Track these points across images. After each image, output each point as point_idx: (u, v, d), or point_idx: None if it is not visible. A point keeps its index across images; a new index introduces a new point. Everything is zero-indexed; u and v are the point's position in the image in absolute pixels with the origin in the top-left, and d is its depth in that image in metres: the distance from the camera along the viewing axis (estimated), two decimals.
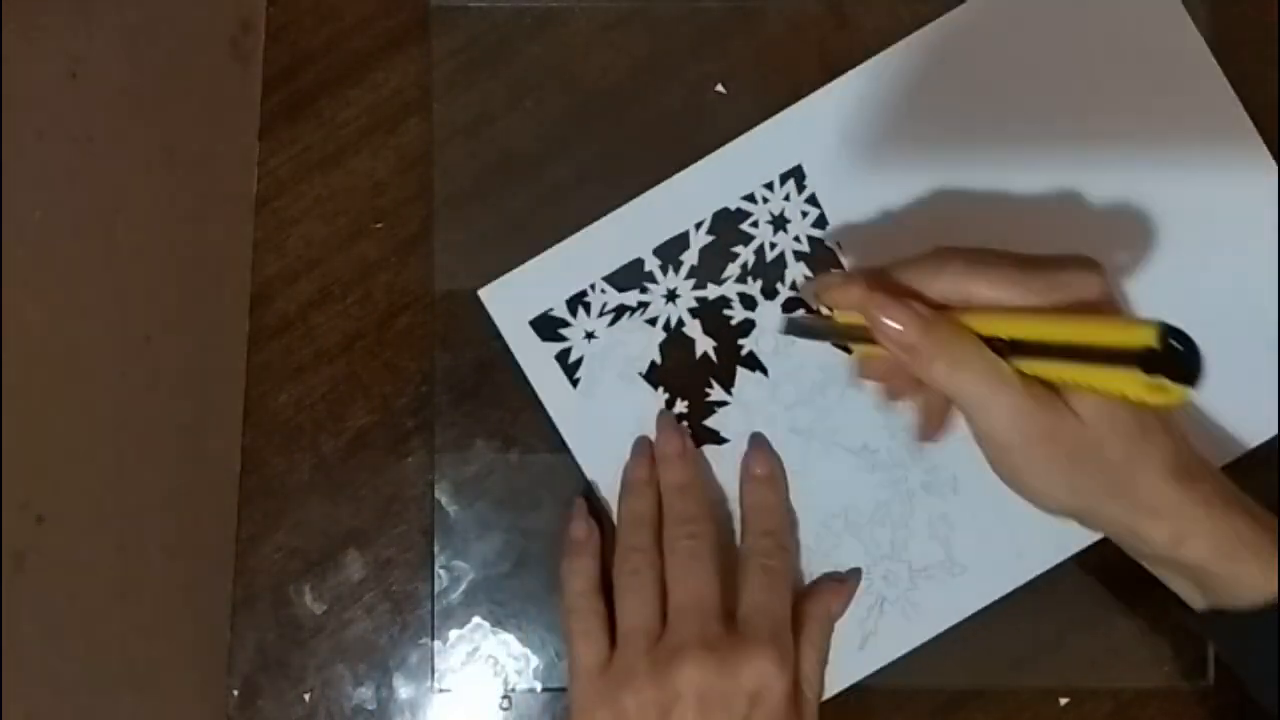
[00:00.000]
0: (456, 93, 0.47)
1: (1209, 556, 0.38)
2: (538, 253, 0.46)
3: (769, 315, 0.46)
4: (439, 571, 0.46)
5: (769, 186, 0.46)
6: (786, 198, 0.46)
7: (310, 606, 0.46)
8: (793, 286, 0.46)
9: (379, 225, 0.47)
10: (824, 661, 0.43)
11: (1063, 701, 0.46)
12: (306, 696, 0.46)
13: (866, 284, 0.39)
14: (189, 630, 0.45)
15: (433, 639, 0.46)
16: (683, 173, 0.46)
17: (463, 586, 0.46)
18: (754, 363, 0.45)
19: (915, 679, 0.46)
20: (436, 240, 0.47)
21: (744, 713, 0.39)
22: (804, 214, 0.46)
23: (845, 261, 0.45)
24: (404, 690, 0.46)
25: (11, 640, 0.33)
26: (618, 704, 0.40)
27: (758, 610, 0.41)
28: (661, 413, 0.45)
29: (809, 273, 0.46)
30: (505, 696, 0.46)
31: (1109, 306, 0.38)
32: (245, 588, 0.46)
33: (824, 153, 0.46)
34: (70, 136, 0.37)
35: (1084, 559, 0.45)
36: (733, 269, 0.46)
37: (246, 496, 0.46)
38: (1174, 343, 0.32)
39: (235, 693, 0.46)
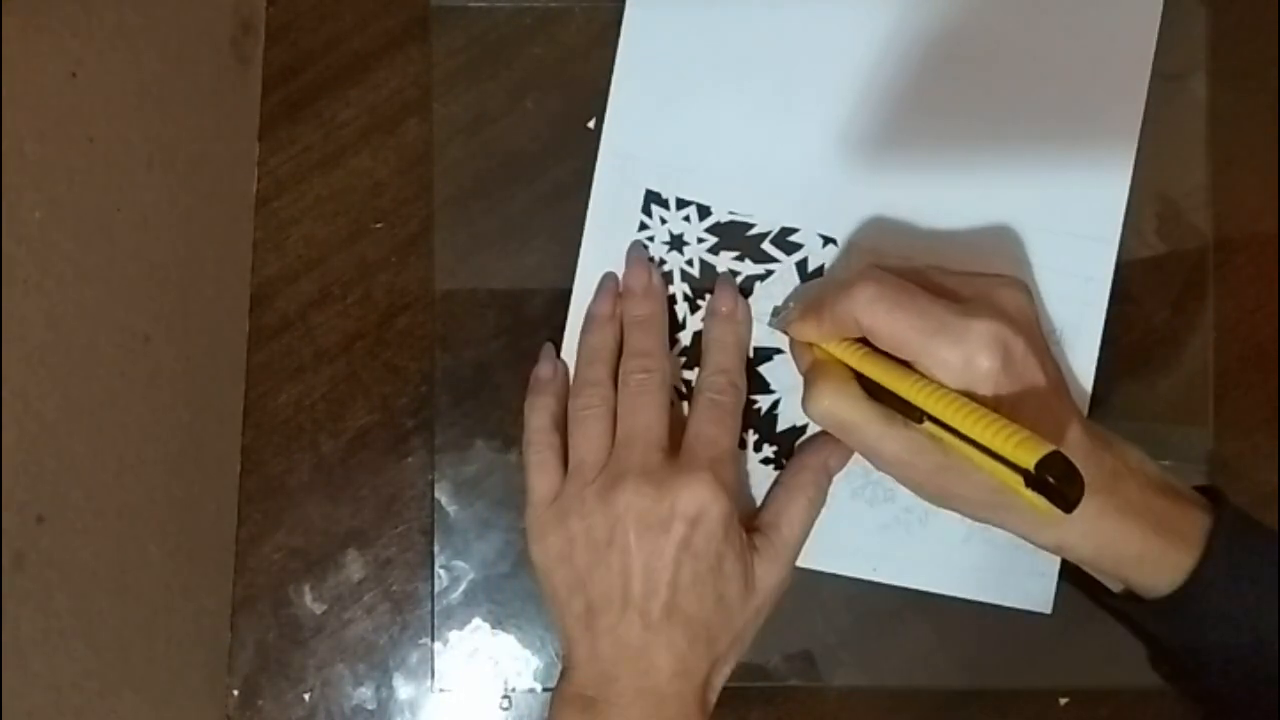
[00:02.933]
0: (456, 93, 0.47)
1: (1091, 559, 0.40)
2: (536, 253, 0.46)
3: None
4: (439, 571, 0.46)
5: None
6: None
7: (310, 606, 0.46)
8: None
9: (379, 225, 0.47)
10: (815, 509, 0.43)
11: (1063, 701, 0.46)
12: (306, 696, 0.46)
13: (799, 316, 0.42)
14: (189, 630, 0.45)
15: (433, 639, 0.46)
16: None
17: (463, 586, 0.46)
18: None
19: (915, 679, 0.46)
20: (436, 240, 0.47)
21: (683, 534, 0.40)
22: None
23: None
24: (404, 690, 0.46)
25: (11, 640, 0.33)
26: (565, 529, 0.41)
27: (699, 440, 0.42)
28: (633, 245, 0.46)
29: None
30: (505, 696, 0.46)
31: (1019, 339, 0.38)
32: (245, 588, 0.46)
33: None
34: (70, 136, 0.37)
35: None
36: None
37: (246, 496, 0.46)
38: (1049, 477, 0.33)
39: (235, 693, 0.46)
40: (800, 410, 0.42)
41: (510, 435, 0.46)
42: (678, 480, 0.40)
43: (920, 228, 0.45)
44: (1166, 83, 0.47)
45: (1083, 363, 0.45)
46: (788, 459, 0.45)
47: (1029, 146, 0.45)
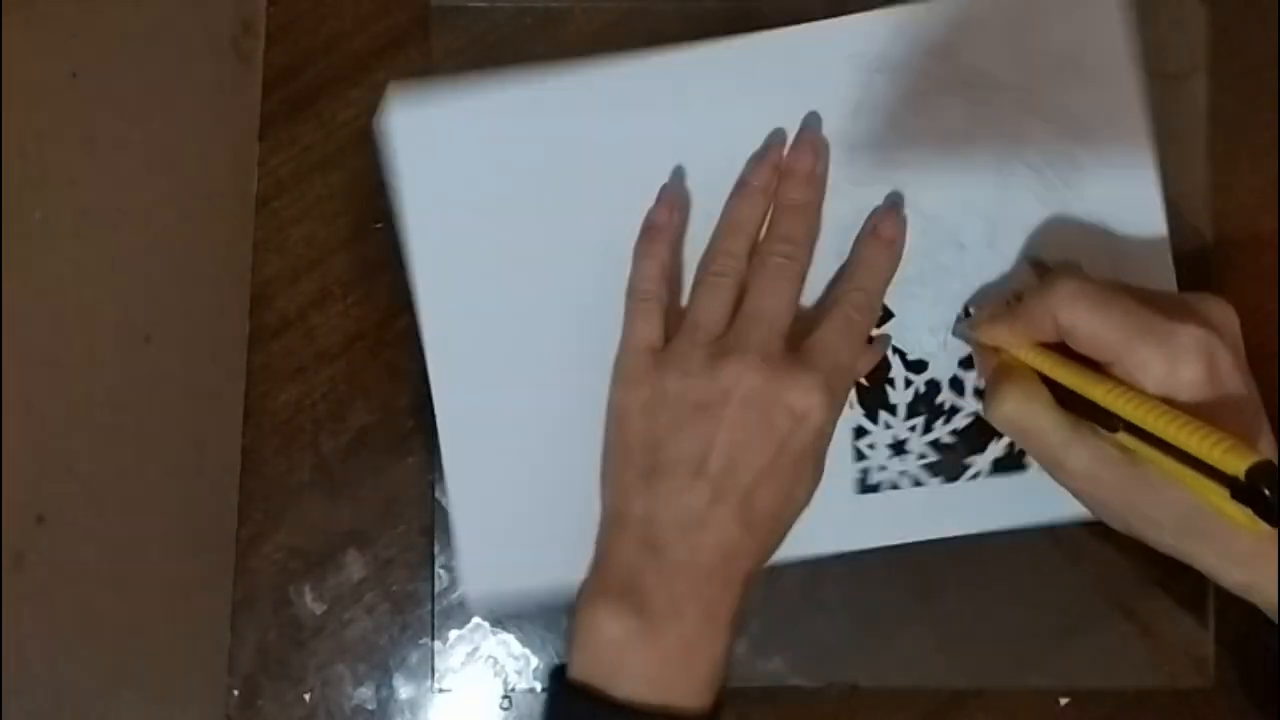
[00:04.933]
0: None
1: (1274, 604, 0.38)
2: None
3: None
4: (439, 571, 0.46)
5: None
6: None
7: (310, 606, 0.46)
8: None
9: (379, 225, 0.47)
10: (839, 414, 0.42)
11: (1063, 701, 0.46)
12: (306, 696, 0.46)
13: (989, 318, 0.41)
14: (189, 630, 0.45)
15: (433, 639, 0.46)
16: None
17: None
18: None
19: (915, 679, 0.46)
20: None
21: (784, 429, 0.39)
22: None
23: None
24: (404, 690, 0.46)
25: (11, 640, 0.33)
26: (661, 383, 0.40)
27: (824, 345, 0.41)
28: (806, 126, 0.44)
29: None
30: (505, 696, 0.46)
31: (1227, 352, 0.37)
32: (245, 588, 0.46)
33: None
34: (70, 136, 0.37)
35: (1083, 560, 0.45)
36: None
37: (246, 496, 0.46)
38: (1260, 485, 0.32)
39: (235, 693, 0.46)
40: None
41: None
42: (794, 373, 0.39)
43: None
44: (1166, 83, 0.47)
45: None
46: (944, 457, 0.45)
47: (1042, 192, 0.45)
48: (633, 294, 0.43)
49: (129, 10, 0.40)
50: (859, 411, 0.44)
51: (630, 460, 0.40)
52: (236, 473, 0.46)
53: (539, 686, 0.46)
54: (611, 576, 0.39)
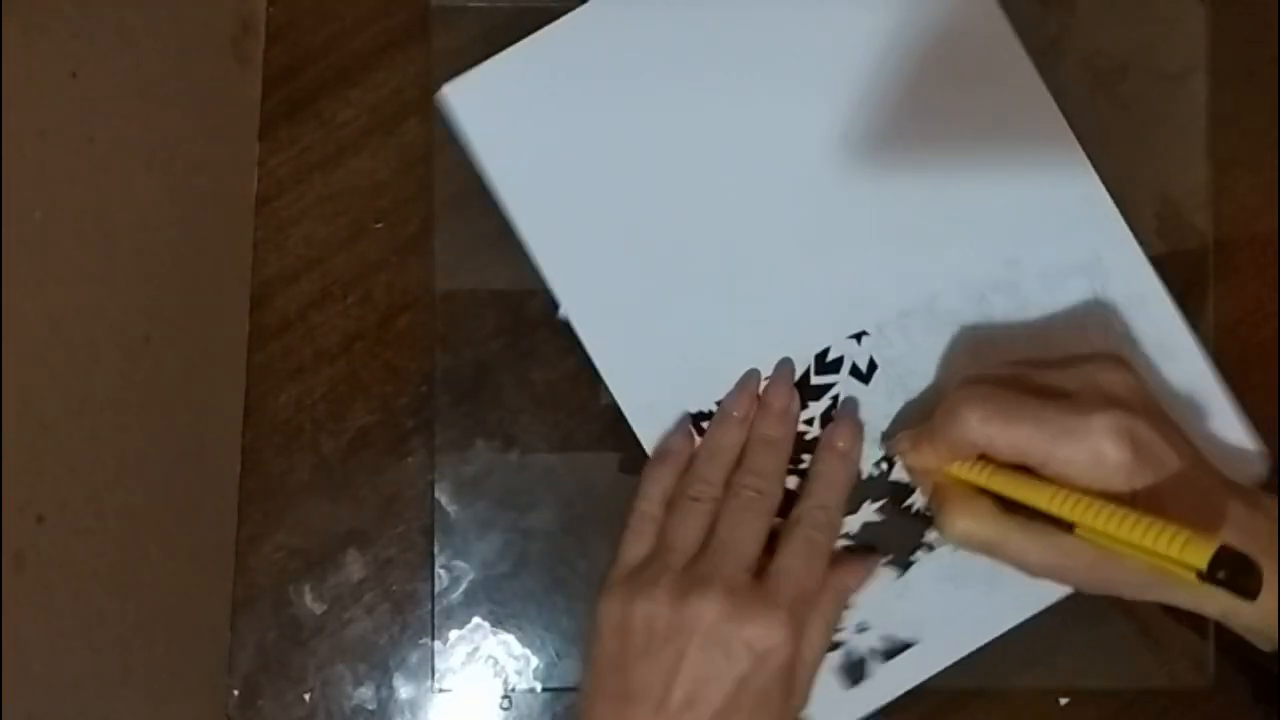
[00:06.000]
0: None
1: (1258, 623, 0.38)
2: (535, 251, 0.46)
3: None
4: (439, 571, 0.46)
5: None
6: None
7: (310, 606, 0.46)
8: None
9: (379, 225, 0.47)
10: (830, 635, 0.42)
11: (1063, 701, 0.46)
12: (306, 696, 0.46)
13: (911, 446, 0.42)
14: (189, 630, 0.45)
15: (433, 639, 0.46)
16: None
17: (463, 586, 0.46)
18: None
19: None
20: (436, 240, 0.47)
21: (743, 667, 0.39)
22: None
23: None
24: (404, 690, 0.46)
25: (11, 640, 0.33)
26: (630, 604, 0.41)
27: (787, 575, 0.41)
28: (783, 361, 0.45)
29: None
30: (505, 696, 0.46)
31: (1143, 422, 0.37)
32: (245, 588, 0.46)
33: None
34: (70, 136, 0.37)
35: None
36: None
37: (246, 496, 0.46)
38: (1223, 573, 0.32)
39: (235, 693, 0.46)
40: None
41: (510, 435, 0.46)
42: (756, 610, 0.39)
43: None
44: (1166, 83, 0.47)
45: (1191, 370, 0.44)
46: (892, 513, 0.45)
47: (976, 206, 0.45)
48: (633, 513, 0.44)
49: (129, 10, 0.40)
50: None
51: (600, 679, 0.41)
52: (236, 473, 0.46)
53: (539, 686, 0.46)
54: None
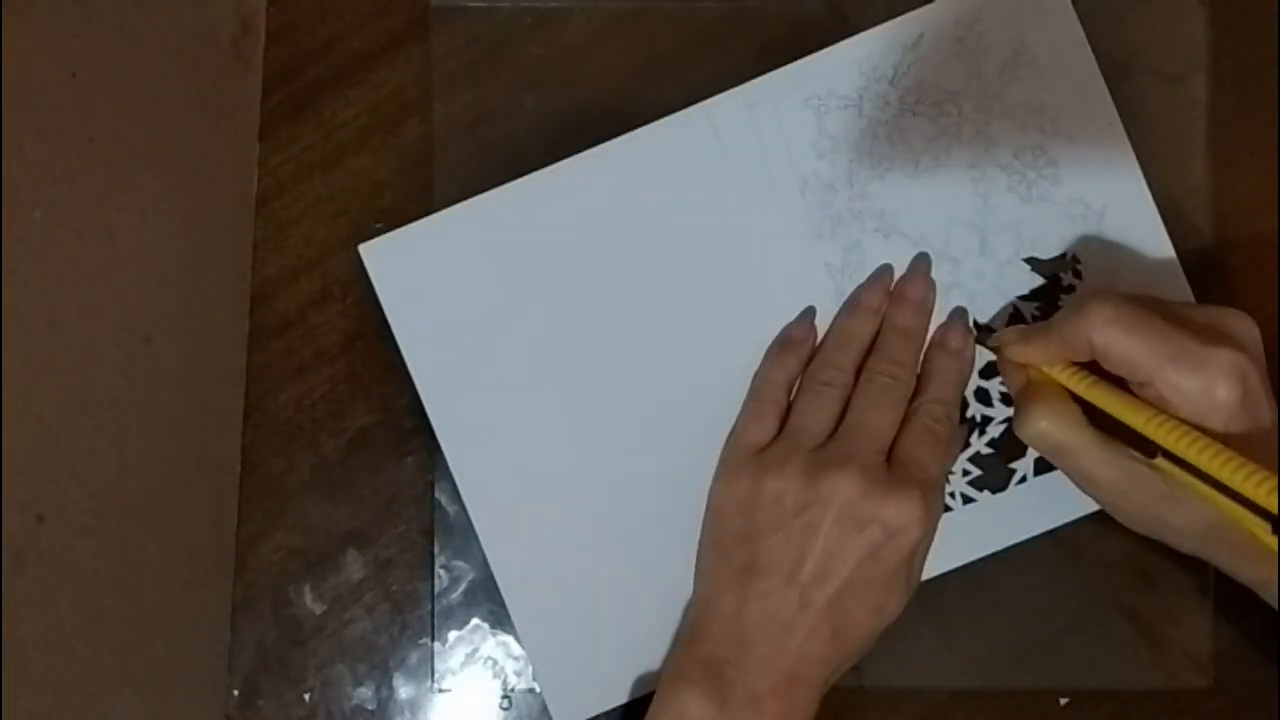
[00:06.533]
0: (456, 93, 0.47)
1: None
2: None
3: None
4: (439, 571, 0.46)
5: None
6: None
7: (310, 606, 0.46)
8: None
9: (379, 225, 0.47)
10: (935, 521, 0.42)
11: (1063, 701, 0.46)
12: (306, 696, 0.46)
13: (1019, 338, 0.42)
14: (189, 630, 0.45)
15: (433, 639, 0.46)
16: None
17: (463, 586, 0.46)
18: None
19: (915, 679, 0.46)
20: None
21: (878, 541, 0.39)
22: None
23: None
24: (404, 690, 0.46)
25: (11, 640, 0.33)
26: (759, 481, 0.41)
27: (912, 460, 0.41)
28: (919, 255, 0.45)
29: None
30: (505, 697, 0.46)
31: (1257, 374, 0.37)
32: (245, 588, 0.46)
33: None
34: (70, 136, 0.37)
35: (1083, 560, 0.45)
36: None
37: (246, 496, 0.46)
38: None
39: (235, 693, 0.46)
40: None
41: None
42: (891, 487, 0.40)
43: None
44: (1166, 83, 0.47)
45: None
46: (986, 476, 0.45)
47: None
48: (754, 395, 0.44)
49: (129, 10, 0.40)
50: None
51: (725, 555, 0.41)
52: (236, 473, 0.46)
53: (539, 686, 0.46)
54: (699, 662, 0.40)
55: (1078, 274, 0.45)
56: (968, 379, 0.45)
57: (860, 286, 0.45)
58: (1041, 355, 0.41)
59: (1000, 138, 0.45)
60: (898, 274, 0.45)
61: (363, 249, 0.45)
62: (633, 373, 0.45)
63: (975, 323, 0.45)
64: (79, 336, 0.39)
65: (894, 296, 0.45)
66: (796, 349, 0.44)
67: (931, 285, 0.45)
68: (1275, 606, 0.39)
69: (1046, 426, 0.39)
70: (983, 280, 0.45)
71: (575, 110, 0.47)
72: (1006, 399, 0.45)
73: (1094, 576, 0.45)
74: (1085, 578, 0.45)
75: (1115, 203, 0.45)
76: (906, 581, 0.41)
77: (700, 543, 0.44)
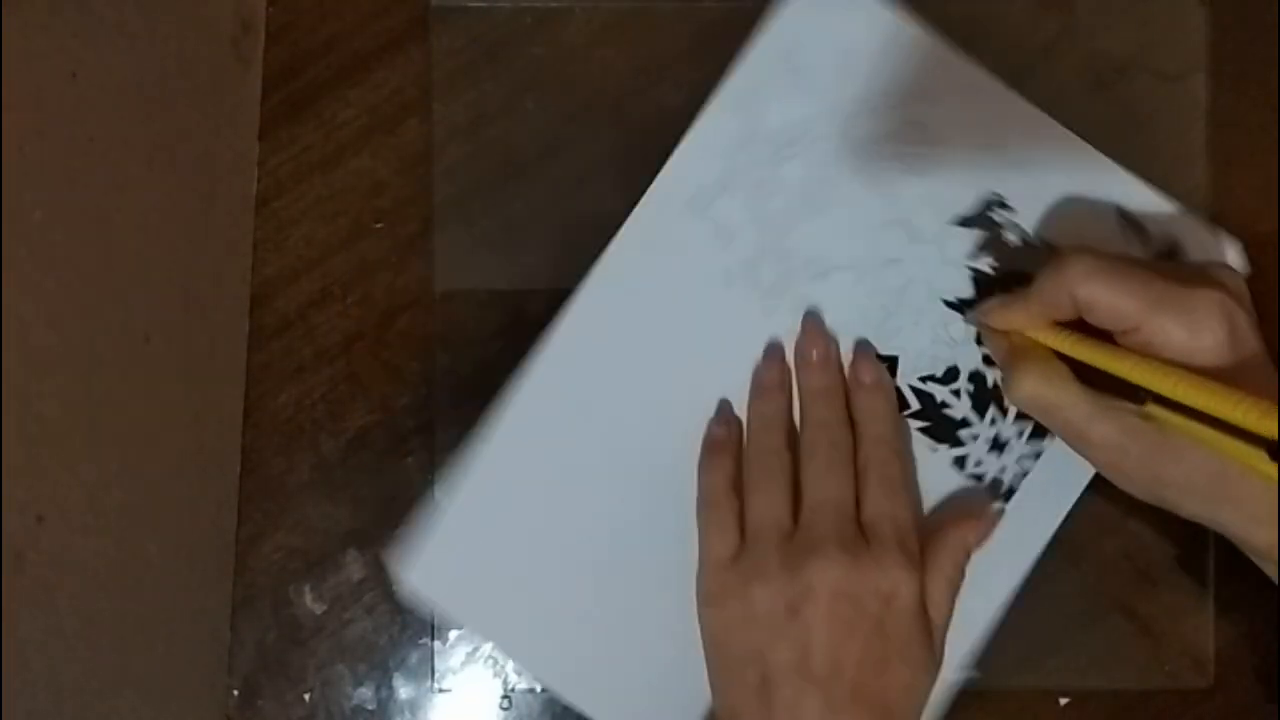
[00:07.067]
0: (456, 93, 0.47)
1: None
2: (536, 253, 0.46)
3: None
4: None
5: None
6: None
7: (310, 606, 0.46)
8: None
9: (379, 225, 0.47)
10: (955, 590, 0.41)
11: (1063, 701, 0.46)
12: (306, 696, 0.46)
13: (1002, 304, 0.41)
14: (189, 630, 0.45)
15: (433, 639, 0.46)
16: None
17: None
18: None
19: None
20: (436, 240, 0.47)
21: (876, 613, 0.39)
22: None
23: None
24: (404, 690, 0.46)
25: (11, 640, 0.33)
26: (747, 595, 0.40)
27: (882, 517, 0.40)
28: (808, 314, 0.45)
29: None
30: (505, 696, 0.46)
31: (1243, 313, 0.37)
32: (245, 588, 0.46)
33: None
34: (70, 136, 0.36)
35: (1083, 560, 0.45)
36: None
37: (246, 496, 0.46)
38: None
39: (235, 693, 0.46)
40: None
41: None
42: (874, 557, 0.39)
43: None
44: (1166, 83, 0.47)
45: None
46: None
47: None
48: (704, 509, 0.43)
49: (129, 10, 0.40)
50: (949, 450, 0.45)
51: (738, 679, 0.40)
52: (236, 473, 0.46)
53: (539, 686, 0.46)
54: None
55: (1005, 206, 0.45)
56: (895, 403, 0.44)
57: (757, 368, 0.45)
58: (1025, 319, 0.41)
59: (871, 134, 0.45)
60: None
61: (404, 575, 0.44)
62: (650, 496, 0.45)
63: (956, 301, 0.45)
64: (79, 336, 0.39)
65: (797, 364, 0.44)
66: (726, 447, 0.44)
67: (829, 339, 0.44)
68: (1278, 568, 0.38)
69: (1034, 387, 0.39)
70: (928, 264, 0.45)
71: (575, 110, 0.47)
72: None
73: (1094, 576, 0.45)
74: (1085, 578, 0.45)
75: (1001, 126, 0.45)
76: (924, 648, 0.40)
77: (709, 674, 0.42)
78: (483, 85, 0.47)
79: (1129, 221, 0.44)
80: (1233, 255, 0.45)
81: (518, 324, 0.46)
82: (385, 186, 0.47)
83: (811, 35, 0.45)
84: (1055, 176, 0.45)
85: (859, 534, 0.40)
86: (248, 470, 0.47)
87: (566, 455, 0.45)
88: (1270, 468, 0.33)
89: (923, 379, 0.45)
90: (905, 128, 0.45)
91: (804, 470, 0.42)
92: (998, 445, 0.45)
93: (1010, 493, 0.44)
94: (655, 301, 0.45)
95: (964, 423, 0.45)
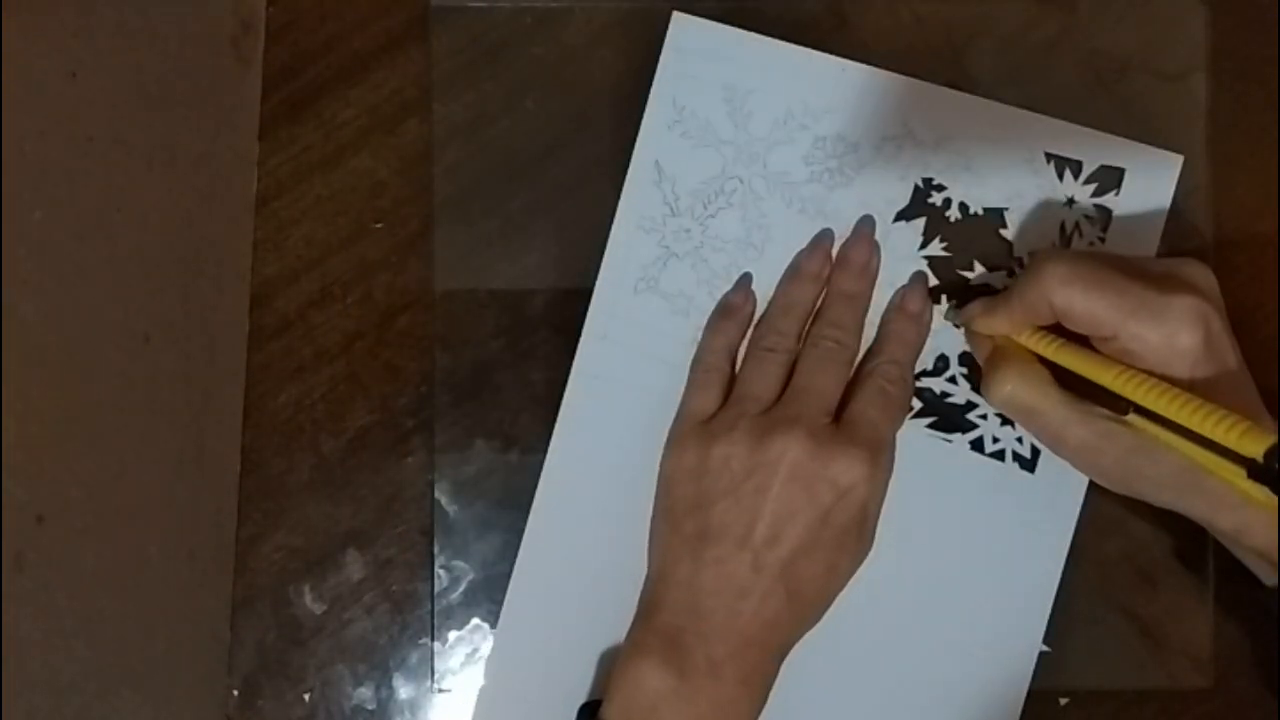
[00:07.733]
0: (456, 93, 0.47)
1: (1266, 545, 0.38)
2: (536, 253, 0.46)
3: None
4: (439, 571, 0.46)
5: None
6: None
7: (310, 606, 0.46)
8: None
9: (379, 225, 0.47)
10: (884, 482, 0.42)
11: (1063, 701, 0.46)
12: (306, 696, 0.46)
13: (983, 310, 0.42)
14: (189, 630, 0.45)
15: (433, 639, 0.46)
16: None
17: (463, 586, 0.46)
18: None
19: None
20: (436, 240, 0.47)
21: (827, 502, 0.40)
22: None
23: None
24: (404, 690, 0.46)
25: (11, 640, 0.33)
26: (707, 450, 0.41)
27: (863, 419, 0.41)
28: (864, 219, 0.45)
29: None
30: None
31: (1218, 316, 0.38)
32: (245, 588, 0.46)
33: None
34: (70, 136, 0.36)
35: (1084, 560, 0.45)
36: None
37: (246, 496, 0.46)
38: (1276, 466, 0.32)
39: (235, 693, 0.46)
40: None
41: (510, 435, 0.46)
42: (838, 447, 0.40)
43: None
44: (1166, 83, 0.47)
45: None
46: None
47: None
48: (697, 365, 0.44)
49: (129, 10, 0.40)
50: (964, 436, 0.45)
51: (677, 525, 0.41)
52: (236, 473, 0.46)
53: None
54: (656, 632, 0.40)
55: (938, 188, 0.45)
56: (924, 343, 0.45)
57: (801, 252, 0.45)
58: (1007, 323, 0.41)
59: (786, 162, 0.46)
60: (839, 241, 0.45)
61: (676, 17, 0.45)
62: None
63: (943, 296, 0.45)
64: (79, 336, 0.39)
65: (837, 262, 0.45)
66: (736, 315, 0.45)
67: (875, 249, 0.45)
68: (1251, 555, 0.39)
69: (1013, 390, 0.40)
70: (885, 267, 0.45)
71: (575, 110, 0.47)
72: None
73: (1094, 577, 0.45)
74: (1085, 578, 0.45)
75: (905, 111, 0.45)
76: (859, 541, 0.41)
77: (652, 516, 0.44)
78: (483, 85, 0.47)
79: (1059, 159, 0.45)
80: (1175, 168, 0.45)
81: (518, 324, 0.47)
82: (385, 186, 0.47)
83: (691, 92, 0.46)
84: (974, 143, 0.45)
85: (832, 426, 0.41)
86: (248, 470, 0.47)
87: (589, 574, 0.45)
88: (1246, 484, 0.33)
89: (916, 377, 0.45)
90: (816, 145, 0.46)
91: (801, 358, 0.43)
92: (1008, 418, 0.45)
93: (1034, 460, 0.44)
94: (634, 392, 0.45)
95: (969, 405, 0.45)
